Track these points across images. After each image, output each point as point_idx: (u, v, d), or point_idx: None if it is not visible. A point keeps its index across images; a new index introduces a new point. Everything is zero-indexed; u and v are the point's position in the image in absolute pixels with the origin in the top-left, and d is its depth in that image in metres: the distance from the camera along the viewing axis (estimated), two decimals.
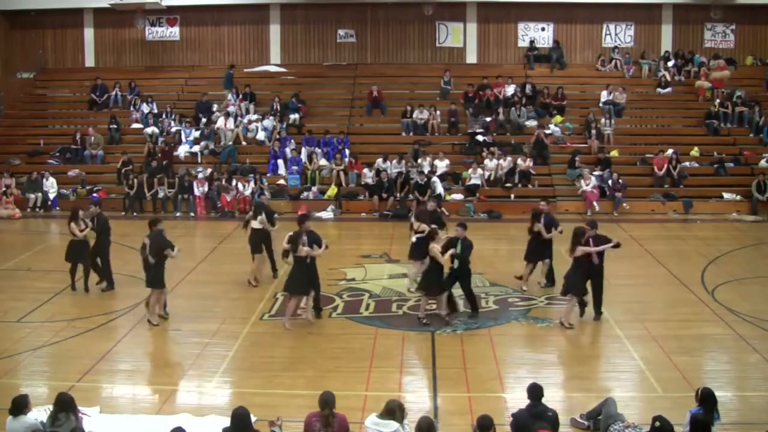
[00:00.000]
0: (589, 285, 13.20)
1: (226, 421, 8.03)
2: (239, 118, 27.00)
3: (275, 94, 28.13)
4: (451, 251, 13.15)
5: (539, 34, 30.41)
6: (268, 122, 26.74)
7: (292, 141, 26.02)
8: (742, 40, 30.15)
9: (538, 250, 15.00)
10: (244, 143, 26.48)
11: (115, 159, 25.82)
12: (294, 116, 27.22)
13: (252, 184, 23.75)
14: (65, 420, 8.14)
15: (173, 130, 26.90)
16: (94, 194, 24.07)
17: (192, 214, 23.64)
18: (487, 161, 24.67)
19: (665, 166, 24.37)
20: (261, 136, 26.53)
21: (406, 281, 15.31)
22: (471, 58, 30.58)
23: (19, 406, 8.26)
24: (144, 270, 13.38)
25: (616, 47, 29.89)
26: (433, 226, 13.91)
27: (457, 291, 14.78)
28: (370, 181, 24.28)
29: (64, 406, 8.23)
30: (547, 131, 26.32)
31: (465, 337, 12.66)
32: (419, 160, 24.61)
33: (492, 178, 24.37)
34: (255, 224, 15.55)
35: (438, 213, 16.19)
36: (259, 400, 9.87)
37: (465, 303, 13.81)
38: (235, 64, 29.71)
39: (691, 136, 26.57)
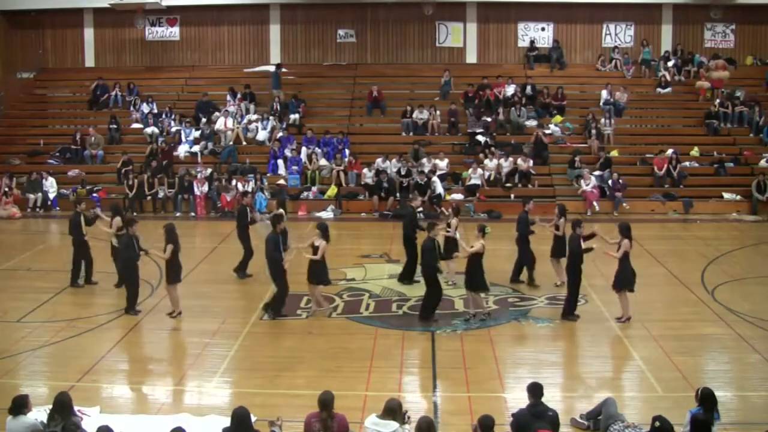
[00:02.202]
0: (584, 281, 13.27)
1: (226, 421, 8.04)
2: (239, 118, 27.03)
3: (275, 94, 28.10)
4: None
5: (539, 34, 30.39)
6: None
7: (295, 141, 26.02)
8: (742, 40, 30.11)
9: (561, 247, 14.80)
10: (244, 143, 26.50)
11: (115, 159, 25.81)
12: (294, 116, 27.22)
13: (252, 184, 23.75)
14: (60, 421, 8.15)
15: (173, 130, 26.90)
16: (94, 194, 24.07)
17: (192, 214, 23.64)
18: (487, 161, 24.67)
19: (665, 166, 24.36)
20: (261, 136, 26.56)
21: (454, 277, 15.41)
22: (471, 58, 30.56)
23: (19, 405, 8.26)
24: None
25: (616, 47, 29.87)
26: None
27: (457, 292, 14.78)
28: (369, 181, 24.28)
29: (58, 407, 8.24)
30: (547, 131, 26.32)
31: (465, 337, 12.67)
32: (422, 161, 24.60)
33: (492, 178, 24.37)
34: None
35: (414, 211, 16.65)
36: (259, 400, 9.88)
37: (464, 303, 13.84)
38: (282, 63, 29.55)
39: (691, 136, 26.56)
